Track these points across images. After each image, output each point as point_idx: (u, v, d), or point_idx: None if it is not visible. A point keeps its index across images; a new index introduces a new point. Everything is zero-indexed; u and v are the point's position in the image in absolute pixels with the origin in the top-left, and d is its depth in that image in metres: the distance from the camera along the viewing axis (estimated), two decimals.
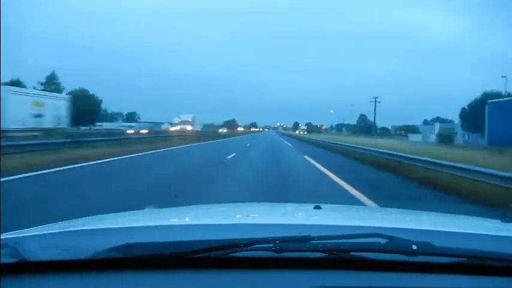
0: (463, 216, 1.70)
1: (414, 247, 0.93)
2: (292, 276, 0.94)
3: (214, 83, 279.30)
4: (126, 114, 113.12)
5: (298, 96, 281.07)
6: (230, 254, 0.94)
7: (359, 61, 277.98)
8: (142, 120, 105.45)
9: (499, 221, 1.45)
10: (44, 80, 51.16)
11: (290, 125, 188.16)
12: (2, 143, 10.77)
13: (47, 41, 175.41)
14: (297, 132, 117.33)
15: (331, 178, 9.65)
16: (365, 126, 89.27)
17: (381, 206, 5.00)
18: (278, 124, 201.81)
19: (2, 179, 7.03)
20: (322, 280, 0.91)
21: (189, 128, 52.17)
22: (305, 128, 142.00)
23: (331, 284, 0.91)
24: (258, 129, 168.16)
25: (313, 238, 0.95)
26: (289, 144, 31.69)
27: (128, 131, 34.86)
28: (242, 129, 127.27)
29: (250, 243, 0.93)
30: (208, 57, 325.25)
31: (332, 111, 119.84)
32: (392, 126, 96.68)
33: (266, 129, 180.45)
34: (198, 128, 61.49)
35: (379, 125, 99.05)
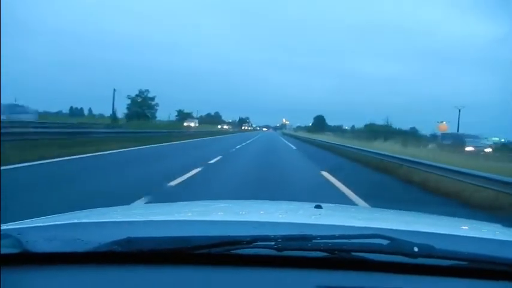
0: (464, 219, 1.70)
1: (415, 249, 0.93)
2: (293, 275, 0.93)
3: (199, 76, 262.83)
4: None
5: (304, 95, 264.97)
6: (231, 251, 0.94)
7: (371, 59, 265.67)
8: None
9: (499, 225, 1.45)
10: None
11: (297, 123, 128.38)
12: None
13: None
14: None
15: None
16: None
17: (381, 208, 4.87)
18: (284, 120, 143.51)
19: None
20: (323, 279, 0.91)
21: None
22: None
23: (332, 283, 0.91)
24: (248, 128, 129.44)
25: (315, 237, 0.95)
26: None
27: None
28: (226, 126, 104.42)
29: (251, 240, 0.93)
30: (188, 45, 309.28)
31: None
32: None
33: (265, 129, 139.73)
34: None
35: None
